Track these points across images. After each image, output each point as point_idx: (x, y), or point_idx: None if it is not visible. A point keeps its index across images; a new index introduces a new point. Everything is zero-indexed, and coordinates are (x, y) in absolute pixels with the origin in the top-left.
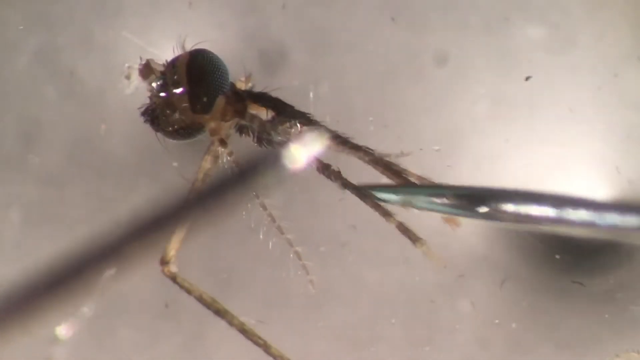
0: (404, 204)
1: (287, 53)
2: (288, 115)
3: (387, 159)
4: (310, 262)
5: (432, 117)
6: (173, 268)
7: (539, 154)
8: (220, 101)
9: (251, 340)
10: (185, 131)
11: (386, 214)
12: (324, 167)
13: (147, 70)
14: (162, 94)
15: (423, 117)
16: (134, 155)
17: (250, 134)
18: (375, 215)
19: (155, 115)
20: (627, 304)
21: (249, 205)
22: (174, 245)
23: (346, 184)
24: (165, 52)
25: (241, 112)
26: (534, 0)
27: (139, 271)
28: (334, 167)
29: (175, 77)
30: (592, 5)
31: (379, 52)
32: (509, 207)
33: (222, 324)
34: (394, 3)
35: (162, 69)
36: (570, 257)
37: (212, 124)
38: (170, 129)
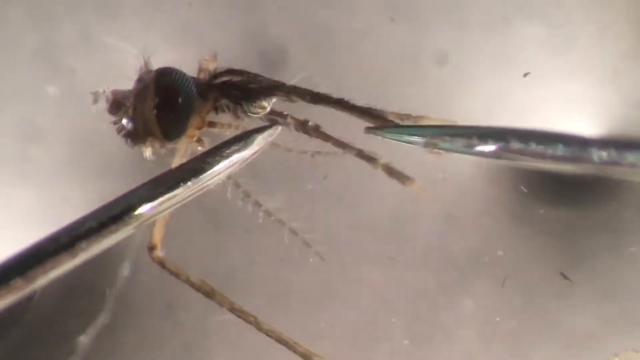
0: (429, 146)
1: (287, 53)
2: (261, 95)
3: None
4: (309, 263)
5: (431, 116)
6: (160, 253)
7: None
8: (192, 120)
9: (243, 318)
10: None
11: (371, 159)
12: (301, 125)
13: (114, 106)
14: (134, 127)
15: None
16: (134, 155)
17: (226, 110)
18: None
19: (134, 137)
20: (627, 303)
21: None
22: (158, 230)
23: (326, 137)
24: (164, 53)
25: (213, 107)
26: (534, 0)
27: (141, 272)
28: (312, 123)
29: (144, 115)
30: (592, 5)
31: (379, 52)
32: (533, 147)
33: (222, 324)
34: (394, 3)
35: (128, 95)
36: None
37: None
38: (146, 150)
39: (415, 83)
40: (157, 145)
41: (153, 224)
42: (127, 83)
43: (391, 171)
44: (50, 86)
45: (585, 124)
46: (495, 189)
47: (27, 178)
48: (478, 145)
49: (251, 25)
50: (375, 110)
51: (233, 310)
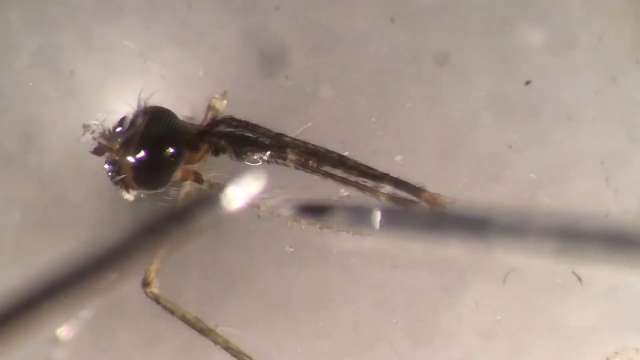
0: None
1: (287, 53)
2: (258, 149)
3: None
4: (310, 263)
5: (432, 117)
6: (155, 290)
7: (539, 154)
8: (177, 172)
9: (236, 357)
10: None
11: (373, 191)
12: (302, 163)
13: (99, 150)
14: (117, 174)
15: (423, 117)
16: None
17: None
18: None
19: (116, 180)
20: (627, 302)
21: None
22: (154, 268)
23: (327, 173)
24: (163, 52)
25: (202, 158)
26: (534, 1)
27: (140, 272)
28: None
29: (123, 171)
30: (592, 6)
31: (379, 53)
32: None
33: (221, 324)
34: (394, 3)
35: (114, 141)
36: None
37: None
38: (129, 194)
39: (415, 83)
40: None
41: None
42: (127, 83)
43: (395, 199)
44: (50, 87)
45: (585, 124)
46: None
47: (27, 178)
48: None
49: (251, 25)
50: (375, 171)
51: (228, 349)
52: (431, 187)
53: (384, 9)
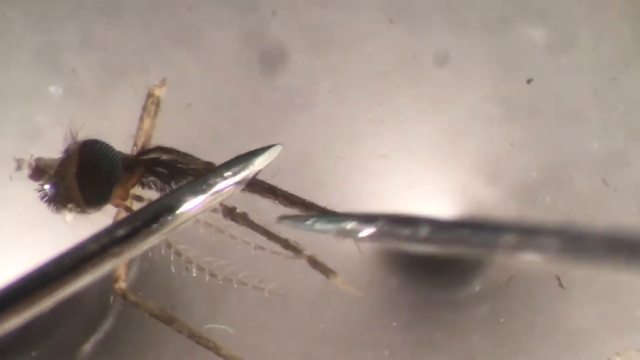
0: (342, 234)
1: (287, 53)
2: (188, 176)
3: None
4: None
5: (432, 117)
6: (122, 285)
7: (538, 154)
8: (115, 190)
9: (202, 345)
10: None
11: (296, 250)
12: (228, 211)
13: (37, 173)
14: (56, 194)
15: (423, 117)
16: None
17: (153, 187)
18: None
19: (54, 205)
20: (627, 303)
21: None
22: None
23: (253, 225)
24: (163, 52)
25: (138, 181)
26: (534, 1)
27: (144, 273)
28: (239, 210)
29: (66, 181)
30: (592, 6)
31: (379, 52)
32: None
33: (221, 324)
34: (393, 3)
35: (52, 164)
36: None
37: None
38: (69, 216)
39: (415, 83)
40: (78, 211)
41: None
42: (127, 83)
43: (315, 263)
44: (51, 86)
45: (585, 124)
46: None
47: (27, 178)
48: (391, 233)
49: (251, 25)
50: (308, 202)
51: (193, 336)
52: (431, 187)
53: (383, 9)
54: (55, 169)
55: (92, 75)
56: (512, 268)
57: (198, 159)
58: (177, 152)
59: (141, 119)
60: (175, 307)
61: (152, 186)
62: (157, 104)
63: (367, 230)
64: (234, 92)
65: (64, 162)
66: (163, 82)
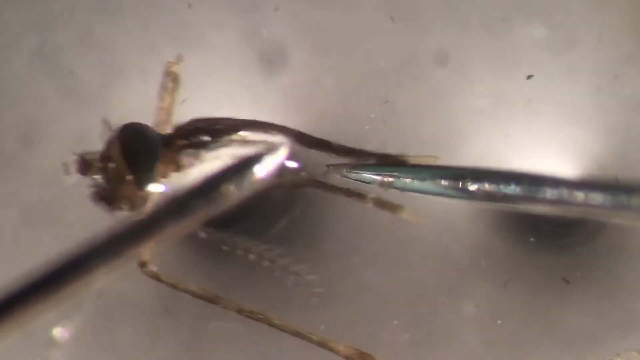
0: (384, 185)
1: (287, 53)
2: (229, 131)
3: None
4: (312, 264)
5: (432, 116)
6: (153, 267)
7: (538, 154)
8: (159, 167)
9: (251, 317)
10: (139, 204)
11: (360, 196)
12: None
13: (84, 165)
14: (108, 184)
15: (423, 116)
16: None
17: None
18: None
19: (108, 201)
20: (627, 303)
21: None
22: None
23: (311, 180)
24: (164, 54)
25: (178, 164)
26: (534, 0)
27: (137, 271)
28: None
29: (114, 165)
30: (592, 6)
31: (379, 52)
32: (489, 187)
33: (221, 324)
34: (394, 3)
35: (97, 157)
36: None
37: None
38: (125, 208)
39: (415, 83)
40: (129, 199)
41: None
42: (127, 83)
43: (382, 203)
44: (49, 87)
45: (585, 124)
46: None
47: (27, 178)
48: (435, 185)
49: (251, 25)
50: (351, 148)
51: (241, 311)
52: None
53: (383, 7)
54: (100, 155)
55: (92, 75)
56: (510, 269)
57: (234, 118)
58: (211, 118)
59: (161, 98)
60: (171, 303)
61: (195, 160)
62: (176, 80)
63: (410, 183)
64: (234, 92)
65: (108, 147)
66: (180, 58)
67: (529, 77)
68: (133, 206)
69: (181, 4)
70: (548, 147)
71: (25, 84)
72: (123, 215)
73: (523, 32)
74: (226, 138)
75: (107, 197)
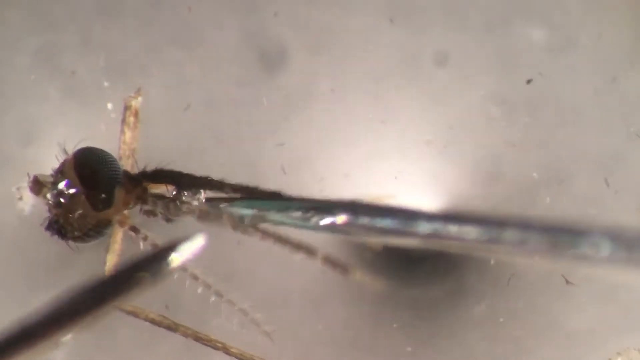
0: (257, 220)
1: (287, 53)
2: (189, 186)
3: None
4: (309, 264)
5: (432, 117)
6: None
7: (538, 154)
8: (119, 192)
9: (210, 345)
10: (94, 231)
11: (310, 252)
12: (237, 224)
13: (36, 186)
14: (60, 204)
15: (423, 117)
16: None
17: (158, 214)
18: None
19: (60, 225)
20: (628, 303)
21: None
22: (111, 262)
23: (264, 233)
24: (163, 52)
25: (143, 197)
26: (534, 0)
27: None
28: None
29: (67, 182)
30: (592, 6)
31: (379, 52)
32: (360, 220)
33: (220, 324)
34: (394, 3)
35: (51, 179)
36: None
37: (117, 217)
38: (78, 234)
39: (415, 83)
40: (83, 222)
41: (105, 256)
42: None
43: (331, 262)
44: (50, 87)
45: (585, 126)
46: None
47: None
48: (304, 220)
49: (251, 25)
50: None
51: (199, 339)
52: (431, 187)
53: (383, 8)
54: (54, 177)
55: (92, 76)
56: (512, 267)
57: (196, 176)
58: (174, 171)
59: (122, 132)
60: (171, 303)
61: (157, 214)
62: (136, 115)
63: (327, 220)
64: (234, 92)
65: (61, 165)
66: (138, 93)
67: (528, 81)
68: (88, 232)
69: (181, 5)
70: (548, 146)
71: (26, 84)
72: (79, 244)
73: (523, 32)
74: (188, 193)
75: (58, 222)
